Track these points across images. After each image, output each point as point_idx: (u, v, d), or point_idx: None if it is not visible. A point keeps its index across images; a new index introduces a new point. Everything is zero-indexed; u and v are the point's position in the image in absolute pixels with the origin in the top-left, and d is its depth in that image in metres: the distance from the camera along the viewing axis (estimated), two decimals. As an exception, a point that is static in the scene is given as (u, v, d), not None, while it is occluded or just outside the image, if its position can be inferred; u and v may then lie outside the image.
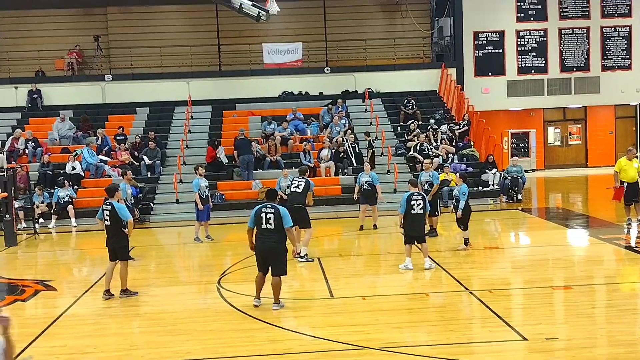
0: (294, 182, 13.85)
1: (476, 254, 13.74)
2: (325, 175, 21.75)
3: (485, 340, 8.59)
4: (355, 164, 21.93)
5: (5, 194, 16.65)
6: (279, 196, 10.32)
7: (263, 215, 9.70)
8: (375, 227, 16.91)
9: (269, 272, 9.88)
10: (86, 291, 11.52)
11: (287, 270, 9.99)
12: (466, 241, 13.91)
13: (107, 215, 10.88)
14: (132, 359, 8.22)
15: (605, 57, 29.46)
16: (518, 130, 29.81)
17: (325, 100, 26.46)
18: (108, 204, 10.92)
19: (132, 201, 14.76)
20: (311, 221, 13.80)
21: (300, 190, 13.51)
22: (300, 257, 12.83)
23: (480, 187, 21.47)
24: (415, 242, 12.35)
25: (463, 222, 13.88)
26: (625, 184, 16.08)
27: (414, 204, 12.06)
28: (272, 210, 9.70)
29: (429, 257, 12.29)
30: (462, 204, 13.71)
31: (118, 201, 11.08)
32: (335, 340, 8.47)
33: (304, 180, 13.66)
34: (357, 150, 22.41)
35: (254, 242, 9.92)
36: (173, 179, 21.22)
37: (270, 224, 9.65)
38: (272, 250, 9.74)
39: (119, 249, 11.00)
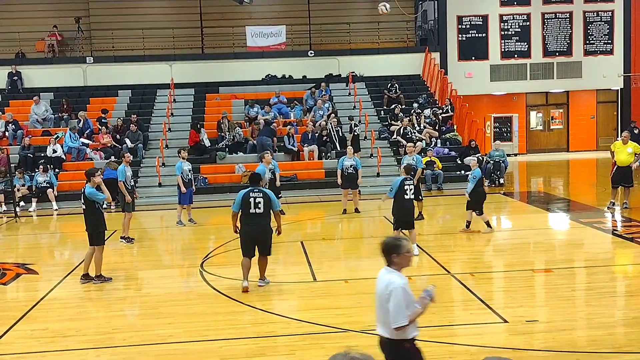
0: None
1: (458, 237, 13.82)
2: (309, 159, 21.74)
3: (467, 323, 8.66)
4: (338, 148, 21.94)
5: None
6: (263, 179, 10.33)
7: (252, 200, 9.70)
8: (357, 210, 16.95)
9: (254, 256, 9.97)
10: (67, 274, 11.47)
11: (270, 252, 10.15)
12: (488, 224, 13.93)
13: (82, 200, 10.84)
14: (114, 342, 8.21)
15: (587, 42, 29.60)
16: (501, 114, 29.92)
17: (309, 84, 26.38)
18: (83, 189, 10.89)
19: (132, 183, 14.59)
20: (295, 204, 13.86)
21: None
22: None
23: (462, 171, 21.55)
24: (402, 229, 12.08)
25: (476, 207, 13.83)
26: (615, 166, 16.19)
27: (406, 189, 11.86)
28: (261, 195, 9.75)
29: (416, 244, 12.29)
30: (470, 187, 13.76)
31: (98, 187, 10.92)
32: (317, 323, 8.50)
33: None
34: (341, 134, 22.40)
35: (241, 227, 9.93)
36: (155, 162, 21.11)
37: (260, 208, 9.70)
38: (262, 233, 9.85)
39: (94, 234, 10.91)
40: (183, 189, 15.73)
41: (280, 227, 10.23)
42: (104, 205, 11.09)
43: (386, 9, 19.88)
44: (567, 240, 14.22)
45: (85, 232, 11.11)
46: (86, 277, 10.94)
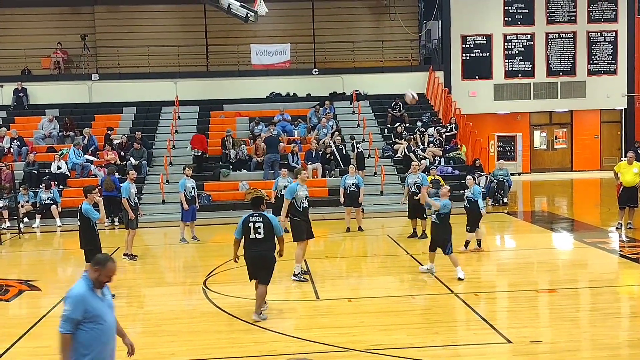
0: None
1: (462, 256, 13.77)
2: (312, 177, 21.75)
3: (470, 343, 8.62)
4: (342, 166, 21.95)
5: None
6: (265, 202, 9.84)
7: (251, 225, 9.33)
8: (360, 229, 16.91)
9: None
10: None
11: (270, 281, 9.58)
12: (479, 242, 14.01)
13: (78, 216, 10.90)
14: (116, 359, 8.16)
15: (591, 61, 29.68)
16: (504, 133, 29.96)
17: (313, 101, 26.46)
18: (80, 205, 10.93)
19: (136, 200, 14.57)
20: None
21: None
22: (295, 275, 12.07)
23: (464, 190, 21.46)
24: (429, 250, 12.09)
25: (475, 224, 13.89)
26: (622, 186, 16.14)
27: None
28: (261, 219, 9.36)
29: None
30: (481, 203, 13.81)
31: (95, 204, 10.98)
32: (320, 342, 8.46)
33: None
34: (344, 153, 22.43)
35: (244, 252, 9.53)
36: (159, 179, 21.14)
37: (260, 234, 9.31)
38: (262, 258, 9.40)
39: (88, 252, 10.86)
40: (185, 206, 15.76)
41: (282, 251, 9.75)
42: (97, 225, 11.04)
43: (412, 96, 20.28)
44: (571, 260, 14.17)
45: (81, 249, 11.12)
46: None
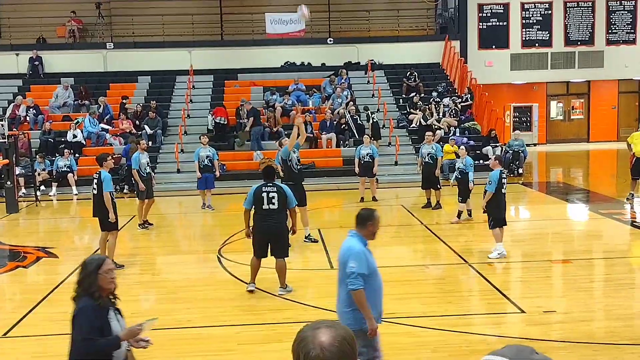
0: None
1: (476, 226, 13.77)
2: (327, 147, 21.74)
3: (484, 312, 8.67)
4: (356, 136, 21.87)
5: (7, 160, 16.68)
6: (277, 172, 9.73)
7: (264, 195, 9.03)
8: (374, 199, 16.90)
9: (266, 256, 9.35)
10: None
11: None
12: (459, 214, 14.04)
13: (95, 184, 10.79)
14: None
15: (610, 31, 29.23)
16: (521, 104, 29.69)
17: (328, 71, 26.30)
18: (97, 172, 10.83)
19: (148, 170, 14.51)
20: (313, 192, 13.77)
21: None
22: (307, 237, 12.57)
23: (481, 161, 21.40)
24: (500, 226, 10.96)
25: (466, 195, 13.95)
26: (634, 157, 15.90)
27: (504, 182, 10.97)
28: (275, 189, 9.10)
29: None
30: (471, 175, 13.80)
31: (109, 170, 10.94)
32: (334, 310, 8.51)
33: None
34: (359, 123, 22.34)
35: (255, 224, 9.27)
36: (174, 148, 21.21)
37: (274, 204, 9.02)
38: (276, 231, 9.18)
39: (104, 220, 10.81)
40: (198, 175, 15.90)
41: (295, 226, 9.57)
42: (114, 194, 10.96)
43: (304, 13, 19.37)
44: (586, 231, 14.14)
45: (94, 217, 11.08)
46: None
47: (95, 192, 10.85)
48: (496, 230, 10.89)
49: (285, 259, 9.34)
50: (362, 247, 5.67)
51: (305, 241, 12.47)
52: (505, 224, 11.05)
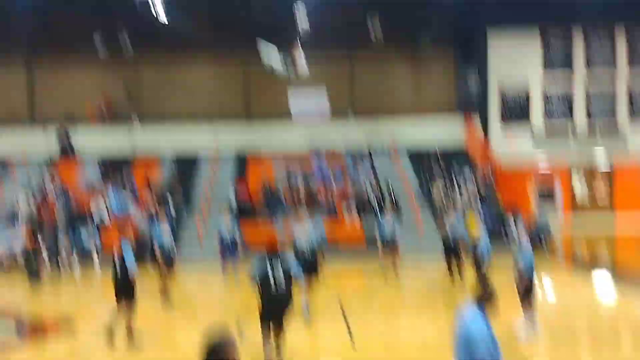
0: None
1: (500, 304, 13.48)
2: (349, 224, 21.73)
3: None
4: (379, 213, 21.86)
5: (32, 236, 16.88)
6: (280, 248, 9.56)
7: (269, 271, 8.89)
8: (397, 274, 16.72)
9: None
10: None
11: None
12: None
13: (115, 259, 10.84)
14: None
15: (631, 105, 29.24)
16: (544, 180, 29.52)
17: (351, 148, 26.56)
18: (118, 248, 10.94)
19: (170, 246, 14.61)
20: (334, 269, 13.68)
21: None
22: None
23: (505, 237, 21.21)
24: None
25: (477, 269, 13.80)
26: None
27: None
28: (279, 264, 8.97)
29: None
30: (486, 258, 13.64)
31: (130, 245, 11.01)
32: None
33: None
34: (381, 200, 22.37)
35: (263, 303, 9.07)
36: (197, 225, 21.30)
37: (282, 287, 8.88)
38: (284, 310, 9.04)
39: (123, 294, 10.85)
40: (219, 248, 16.01)
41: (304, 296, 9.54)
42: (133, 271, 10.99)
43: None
44: (615, 314, 13.78)
45: (114, 291, 11.06)
46: (126, 335, 10.88)
47: (116, 267, 10.85)
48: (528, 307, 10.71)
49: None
50: (487, 327, 5.34)
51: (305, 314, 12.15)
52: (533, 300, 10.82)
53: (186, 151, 26.99)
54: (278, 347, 9.15)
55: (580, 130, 29.17)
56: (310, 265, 12.66)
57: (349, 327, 11.57)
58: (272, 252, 9.10)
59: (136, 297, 10.91)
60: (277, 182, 24.06)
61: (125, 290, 10.84)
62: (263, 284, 8.89)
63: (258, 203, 22.47)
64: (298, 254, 12.63)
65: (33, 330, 12.24)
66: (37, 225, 17.19)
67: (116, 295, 10.92)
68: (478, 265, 13.80)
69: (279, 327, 9.07)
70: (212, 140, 26.80)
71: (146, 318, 13.16)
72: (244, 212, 22.21)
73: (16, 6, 26.40)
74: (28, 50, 29.31)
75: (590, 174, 30.78)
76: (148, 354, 10.47)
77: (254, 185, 23.47)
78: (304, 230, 13.28)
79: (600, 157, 29.61)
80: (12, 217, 21.26)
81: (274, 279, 8.84)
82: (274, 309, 9.01)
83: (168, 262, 14.34)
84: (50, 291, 17.04)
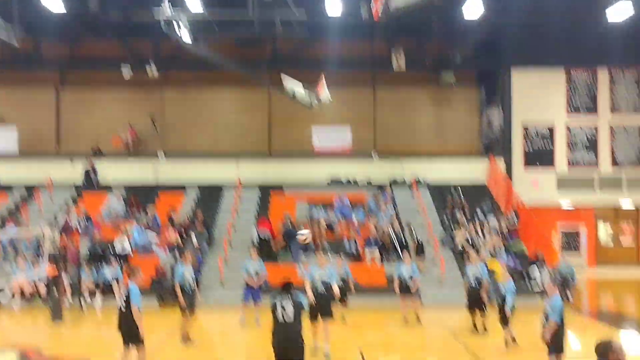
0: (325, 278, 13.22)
1: (524, 353, 13.30)
2: (370, 263, 21.62)
3: None
4: (400, 253, 21.74)
5: (56, 272, 16.95)
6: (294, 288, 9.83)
7: (280, 308, 9.24)
8: (418, 319, 16.54)
9: None
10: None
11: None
12: (513, 338, 13.62)
13: (123, 297, 10.66)
14: None
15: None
16: (568, 225, 29.25)
17: (373, 187, 26.56)
18: (126, 286, 10.77)
19: (191, 285, 14.43)
20: (355, 311, 13.60)
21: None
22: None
23: (528, 284, 20.94)
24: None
25: (506, 320, 13.60)
26: None
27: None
28: (291, 302, 9.27)
29: None
30: (509, 301, 13.48)
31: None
32: None
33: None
34: (403, 240, 22.25)
35: (272, 338, 9.30)
36: (218, 261, 21.30)
37: (289, 318, 9.18)
38: (293, 346, 9.21)
39: (130, 334, 10.64)
40: (246, 285, 15.93)
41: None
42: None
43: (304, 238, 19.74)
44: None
45: (148, 328, 10.96)
46: None
47: (123, 306, 10.67)
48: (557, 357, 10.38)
49: None
50: None
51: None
52: (562, 351, 10.60)
53: (209, 185, 27.09)
54: None
55: (605, 176, 28.90)
56: (323, 304, 12.78)
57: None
58: (285, 288, 9.47)
59: (141, 340, 10.67)
60: (299, 218, 24.06)
61: (129, 332, 10.65)
62: (273, 315, 9.30)
63: (279, 240, 22.38)
64: (314, 292, 12.91)
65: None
66: (61, 258, 17.25)
67: (122, 338, 10.75)
68: (504, 313, 13.62)
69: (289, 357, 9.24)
70: (235, 176, 26.89)
71: (166, 358, 13.14)
72: (265, 249, 22.16)
73: (45, 36, 27.00)
74: (55, 82, 29.77)
75: (616, 223, 30.35)
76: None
77: (276, 221, 23.44)
78: (322, 269, 13.27)
79: (627, 204, 29.28)
80: (36, 248, 21.41)
81: (283, 308, 9.22)
82: (281, 339, 9.23)
83: (190, 302, 14.27)
84: (71, 327, 17.05)
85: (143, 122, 29.34)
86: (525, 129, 29.00)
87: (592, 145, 29.05)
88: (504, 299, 13.69)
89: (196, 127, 29.51)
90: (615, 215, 30.17)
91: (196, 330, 15.04)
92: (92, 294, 19.88)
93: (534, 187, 28.30)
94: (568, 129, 29.06)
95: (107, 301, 19.56)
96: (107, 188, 26.24)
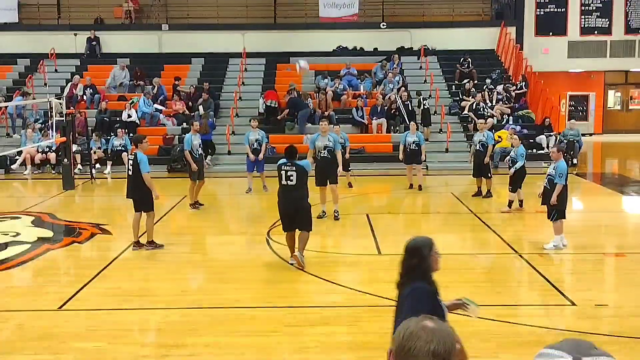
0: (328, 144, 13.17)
1: (527, 217, 13.58)
2: (377, 132, 21.66)
3: (533, 304, 8.55)
4: (407, 122, 21.71)
5: (64, 138, 17.10)
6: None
7: (283, 172, 9.61)
8: (420, 188, 16.72)
9: (294, 230, 9.83)
10: (140, 236, 11.70)
11: (312, 226, 9.87)
12: (510, 203, 13.82)
13: (130, 165, 10.74)
14: (183, 303, 8.46)
15: (673, 19, 28.25)
16: (577, 92, 29.01)
17: (380, 56, 26.15)
18: (133, 154, 10.82)
19: (200, 152, 14.56)
20: (362, 177, 13.79)
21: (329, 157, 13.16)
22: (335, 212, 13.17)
23: (535, 150, 21.04)
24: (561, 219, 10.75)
25: (514, 184, 13.76)
26: None
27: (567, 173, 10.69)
28: (294, 168, 9.58)
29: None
30: (519, 164, 13.58)
31: (144, 152, 10.83)
32: (381, 295, 8.52)
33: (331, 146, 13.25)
34: (410, 108, 22.16)
35: (278, 200, 9.84)
36: (226, 130, 21.41)
37: (291, 180, 9.55)
38: (295, 206, 9.67)
39: (141, 201, 10.84)
40: (251, 157, 16.02)
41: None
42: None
43: (300, 67, 19.01)
44: (642, 224, 13.78)
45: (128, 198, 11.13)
46: (137, 245, 10.99)
47: (130, 173, 10.77)
48: (558, 223, 10.68)
49: (309, 231, 9.77)
50: None
51: (335, 217, 13.04)
52: (565, 217, 10.82)
53: (215, 56, 26.75)
54: (294, 240, 9.82)
55: (617, 44, 28.28)
56: (327, 170, 12.97)
57: (374, 234, 11.78)
58: (288, 153, 9.79)
59: (151, 206, 10.89)
60: (306, 87, 23.92)
61: (139, 199, 10.86)
62: (279, 178, 9.72)
63: (284, 108, 22.34)
64: (316, 158, 13.13)
65: (68, 233, 12.57)
66: (69, 127, 17.34)
67: (133, 204, 10.98)
68: (513, 177, 13.76)
69: (295, 220, 9.71)
70: (240, 46, 26.48)
71: (176, 223, 13.50)
72: (271, 117, 22.22)
73: None
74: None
75: (625, 89, 30.09)
76: (176, 256, 10.76)
77: (282, 91, 23.29)
78: (324, 136, 13.30)
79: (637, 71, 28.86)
80: (44, 118, 21.54)
81: (286, 172, 9.60)
82: (285, 201, 9.71)
83: (199, 168, 14.44)
84: (82, 194, 17.41)
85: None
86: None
87: (606, 10, 28.21)
88: (513, 163, 13.78)
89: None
90: (625, 81, 29.86)
91: (205, 197, 15.33)
92: (101, 163, 20.21)
93: (545, 54, 27.79)
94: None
95: (116, 169, 19.93)
96: (112, 59, 25.95)
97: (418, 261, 4.48)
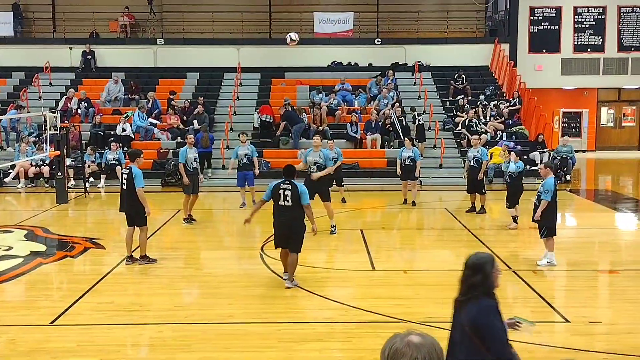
0: (318, 160, 13.28)
1: (521, 233, 13.59)
2: (371, 147, 21.71)
3: (526, 320, 8.52)
4: (401, 138, 21.74)
5: (58, 152, 17.08)
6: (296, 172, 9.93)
7: (281, 192, 9.47)
8: (413, 203, 16.71)
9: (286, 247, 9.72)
10: (133, 251, 11.66)
11: (301, 249, 9.66)
12: (515, 219, 13.84)
13: (124, 179, 10.73)
14: (176, 318, 8.42)
15: (665, 37, 28.49)
16: (570, 109, 29.16)
17: (374, 71, 26.26)
18: (127, 168, 10.82)
19: (194, 166, 14.56)
20: (356, 192, 13.81)
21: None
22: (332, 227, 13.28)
23: (528, 167, 21.05)
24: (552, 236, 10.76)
25: (512, 200, 13.78)
26: None
27: (556, 190, 10.68)
28: (290, 187, 9.47)
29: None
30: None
31: (139, 167, 10.85)
32: (375, 312, 8.52)
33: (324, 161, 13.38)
34: (404, 124, 22.23)
35: (273, 219, 9.67)
36: (220, 144, 21.41)
37: (288, 201, 9.42)
38: (290, 227, 9.51)
39: (135, 215, 10.82)
40: (229, 171, 16.26)
41: (314, 226, 9.72)
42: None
43: (291, 38, 19.00)
44: (635, 241, 13.82)
45: (152, 209, 11.16)
46: (130, 259, 10.97)
47: (125, 187, 10.75)
48: (549, 240, 10.71)
49: (297, 254, 9.61)
50: None
51: (331, 231, 13.17)
52: (555, 234, 10.85)
53: (210, 70, 26.80)
54: (287, 258, 9.67)
55: (610, 62, 28.48)
56: (319, 186, 12.95)
57: (368, 251, 11.77)
58: (286, 172, 9.70)
59: (144, 220, 10.87)
60: (300, 103, 23.97)
61: (132, 213, 10.84)
62: (274, 198, 9.57)
63: (279, 124, 22.37)
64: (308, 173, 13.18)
65: (61, 247, 12.52)
66: (63, 141, 17.32)
67: (126, 218, 10.97)
68: (509, 193, 13.83)
69: (288, 240, 9.58)
70: (235, 61, 26.55)
71: (170, 237, 13.46)
72: (266, 132, 22.26)
73: None
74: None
75: (618, 107, 30.29)
76: (169, 270, 10.73)
77: (277, 106, 23.33)
78: (316, 151, 13.37)
79: (631, 85, 29.04)
80: (38, 132, 21.51)
81: (283, 192, 9.48)
82: (280, 221, 9.59)
83: (193, 182, 14.42)
84: (76, 208, 17.35)
85: (141, 7, 28.60)
86: (532, 9, 28.32)
87: (599, 28, 28.42)
88: (510, 180, 13.84)
89: (195, 11, 28.78)
90: (618, 98, 30.06)
91: (199, 211, 15.31)
92: (95, 177, 20.17)
93: (539, 71, 27.96)
94: (575, 10, 28.37)
95: (110, 183, 19.88)
96: (107, 73, 25.97)
97: (482, 278, 4.47)
